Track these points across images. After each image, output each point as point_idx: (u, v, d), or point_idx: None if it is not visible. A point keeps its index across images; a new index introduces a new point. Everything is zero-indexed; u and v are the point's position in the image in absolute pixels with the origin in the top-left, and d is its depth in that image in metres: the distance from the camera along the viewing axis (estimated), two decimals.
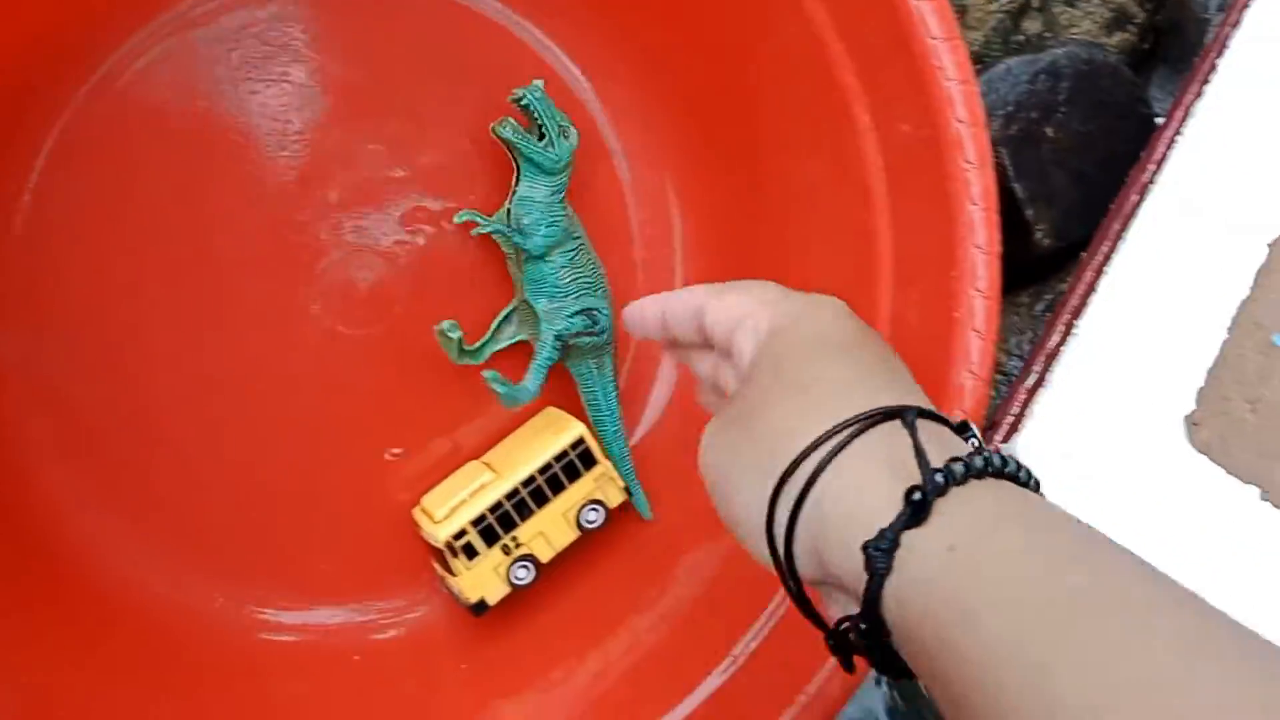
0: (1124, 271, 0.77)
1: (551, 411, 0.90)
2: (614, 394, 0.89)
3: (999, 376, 0.94)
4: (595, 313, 0.86)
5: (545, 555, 0.86)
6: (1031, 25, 1.03)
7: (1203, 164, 0.80)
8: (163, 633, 0.84)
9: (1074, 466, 0.72)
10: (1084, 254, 0.83)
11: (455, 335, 0.84)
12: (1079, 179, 0.97)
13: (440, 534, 0.84)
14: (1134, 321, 0.75)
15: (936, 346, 0.73)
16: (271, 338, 0.86)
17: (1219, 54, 0.83)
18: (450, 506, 0.85)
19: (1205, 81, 0.82)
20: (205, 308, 0.85)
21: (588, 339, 0.86)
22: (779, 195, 0.86)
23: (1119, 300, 0.76)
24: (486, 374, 0.83)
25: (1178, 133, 0.79)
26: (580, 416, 0.90)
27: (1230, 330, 0.79)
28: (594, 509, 0.87)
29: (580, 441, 0.86)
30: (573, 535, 0.87)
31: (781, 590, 0.48)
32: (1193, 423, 0.82)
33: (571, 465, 0.86)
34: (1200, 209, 0.78)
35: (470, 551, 0.84)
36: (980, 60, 1.01)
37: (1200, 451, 0.77)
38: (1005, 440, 0.75)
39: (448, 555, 0.84)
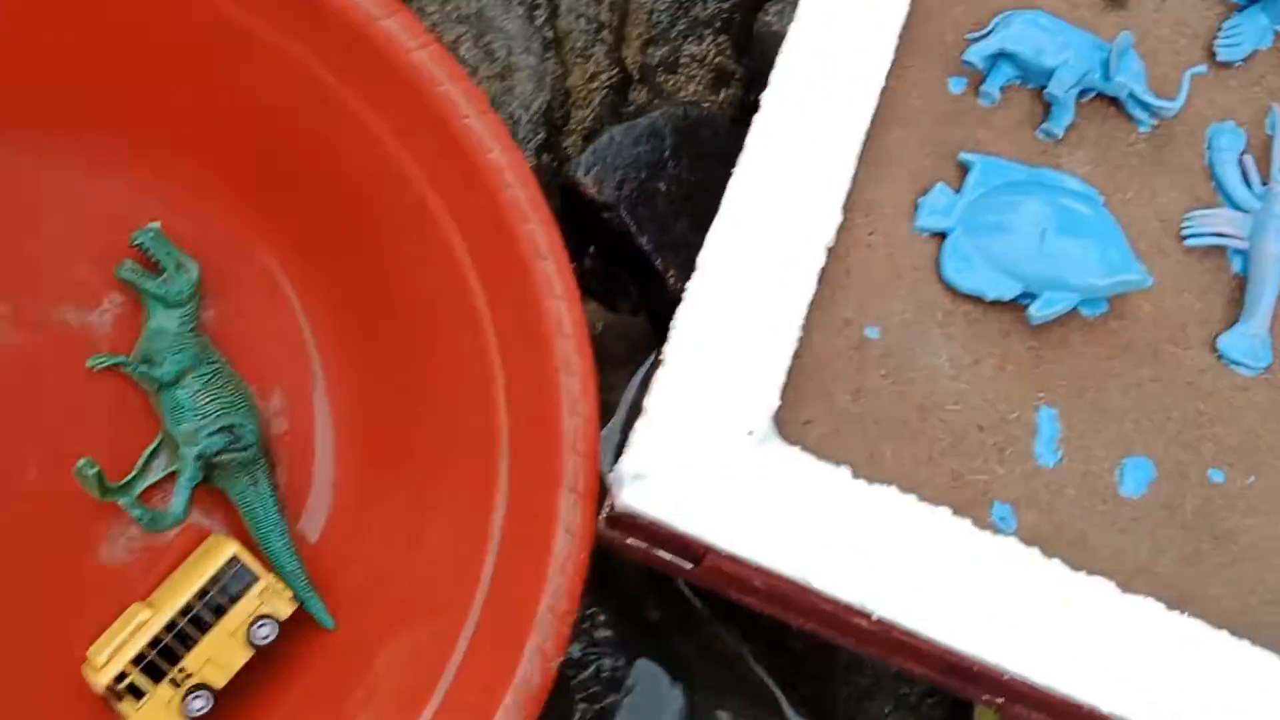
0: (699, 293, 0.81)
1: (212, 539, 0.91)
2: (274, 508, 0.90)
3: None
4: (238, 429, 0.88)
5: (219, 680, 0.86)
6: (638, 95, 1.10)
7: (760, 185, 0.86)
8: None
9: (670, 481, 0.76)
10: None
11: (91, 472, 0.85)
12: (697, 223, 1.03)
13: (101, 680, 0.83)
14: (715, 337, 0.80)
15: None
16: None
17: (763, 89, 0.90)
18: (110, 651, 0.84)
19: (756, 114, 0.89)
20: None
21: (232, 455, 0.88)
22: (405, 320, 0.89)
23: (700, 319, 0.81)
24: (122, 500, 0.84)
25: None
26: (247, 537, 0.91)
27: (808, 330, 0.84)
28: (264, 624, 0.87)
29: (235, 560, 0.86)
30: (246, 654, 0.87)
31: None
32: (803, 421, 0.87)
33: (231, 585, 0.86)
34: (763, 225, 0.84)
35: (137, 692, 0.83)
36: (597, 135, 1.07)
37: (804, 447, 0.81)
38: (610, 470, 0.78)
39: (114, 701, 0.83)
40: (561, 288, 0.79)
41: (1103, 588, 0.79)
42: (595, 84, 1.07)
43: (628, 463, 0.77)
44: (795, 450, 0.80)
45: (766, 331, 0.82)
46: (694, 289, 0.83)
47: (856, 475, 0.80)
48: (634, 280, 1.07)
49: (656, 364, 0.81)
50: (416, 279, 0.87)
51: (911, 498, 0.80)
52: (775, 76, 0.92)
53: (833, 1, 0.95)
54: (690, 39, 1.13)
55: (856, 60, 0.93)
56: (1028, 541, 0.85)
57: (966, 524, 0.80)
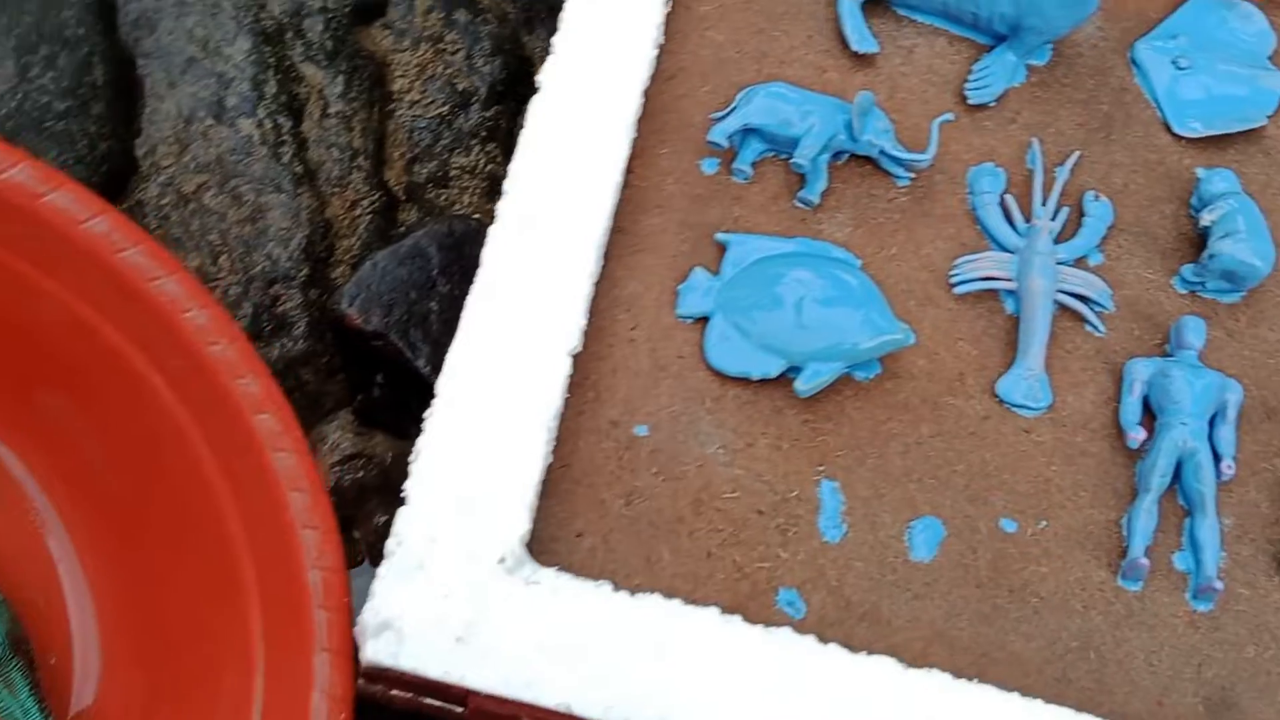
0: (439, 421, 0.79)
1: None
2: (35, 708, 0.86)
3: None
4: None
5: None
6: (408, 215, 1.09)
7: (498, 301, 0.84)
8: None
9: (418, 627, 0.73)
10: None
11: None
12: None
13: None
14: (457, 466, 0.77)
15: None
16: None
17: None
18: None
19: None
20: None
21: None
22: (150, 509, 0.86)
23: (441, 448, 0.78)
24: None
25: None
26: None
27: (574, 438, 0.82)
28: None
29: None
30: None
31: None
32: (575, 535, 0.85)
33: None
34: (502, 343, 0.82)
35: None
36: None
37: (562, 566, 0.78)
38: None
39: None
40: (299, 476, 0.77)
41: (884, 667, 0.77)
42: (357, 211, 1.05)
43: (370, 613, 0.74)
44: (551, 573, 0.77)
45: (511, 452, 0.80)
46: (433, 418, 0.81)
47: (618, 588, 0.77)
48: (421, 406, 1.05)
49: (399, 502, 0.78)
50: (152, 466, 0.84)
51: (676, 602, 0.78)
52: (508, 185, 0.91)
53: (562, 103, 0.94)
54: (458, 151, 1.12)
55: (591, 158, 0.92)
56: (817, 624, 0.83)
57: (736, 621, 0.77)
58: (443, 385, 0.81)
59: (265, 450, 0.77)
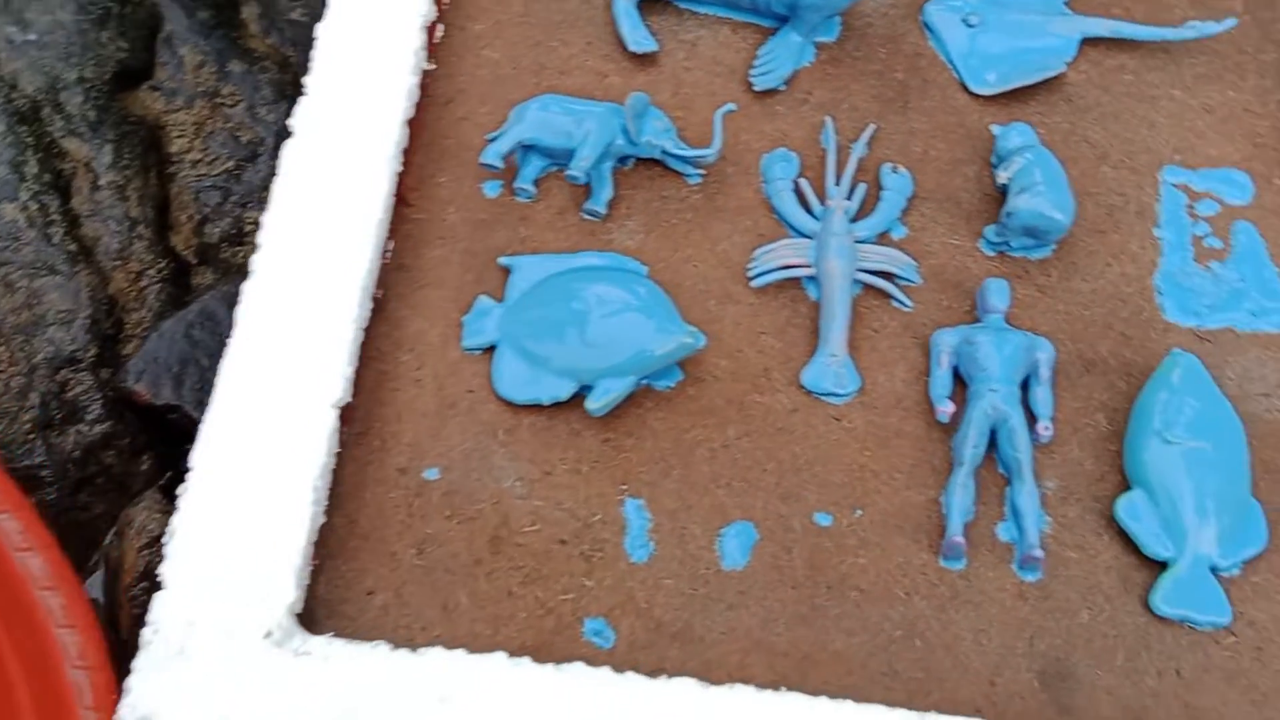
0: (196, 494, 0.76)
1: None
2: None
3: None
4: None
5: None
6: (203, 278, 1.05)
7: (260, 353, 0.81)
8: None
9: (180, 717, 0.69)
10: None
11: None
12: None
13: None
14: (215, 540, 0.74)
15: None
16: None
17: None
18: None
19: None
20: None
21: None
22: None
23: (199, 523, 0.75)
24: None
25: None
26: None
27: (359, 492, 0.79)
28: None
29: None
30: None
31: None
32: (366, 593, 0.81)
33: None
34: (266, 391, 0.79)
35: None
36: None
37: (338, 632, 0.75)
38: None
39: None
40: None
41: (685, 689, 0.74)
42: (144, 282, 1.02)
43: (128, 709, 0.70)
44: (322, 641, 0.74)
45: (274, 518, 0.76)
46: (187, 493, 0.77)
47: (398, 646, 0.74)
48: None
49: (156, 588, 0.75)
50: None
51: (460, 652, 0.74)
52: (261, 238, 0.87)
53: (317, 146, 0.91)
54: (250, 205, 1.09)
55: (350, 199, 0.89)
56: (627, 651, 0.80)
57: (525, 663, 0.74)
58: (197, 457, 0.78)
59: (9, 553, 0.73)
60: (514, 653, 0.77)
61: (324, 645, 0.72)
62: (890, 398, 0.91)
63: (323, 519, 0.78)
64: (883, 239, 0.98)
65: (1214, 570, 0.84)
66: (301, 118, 0.91)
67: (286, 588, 0.73)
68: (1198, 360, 0.91)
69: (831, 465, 0.88)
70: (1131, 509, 0.85)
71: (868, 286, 0.95)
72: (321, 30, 0.95)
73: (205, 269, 1.06)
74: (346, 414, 0.84)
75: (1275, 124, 1.05)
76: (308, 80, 0.94)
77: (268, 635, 0.72)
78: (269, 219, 0.86)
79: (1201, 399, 0.88)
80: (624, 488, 0.86)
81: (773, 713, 0.73)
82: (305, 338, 0.82)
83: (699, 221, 0.98)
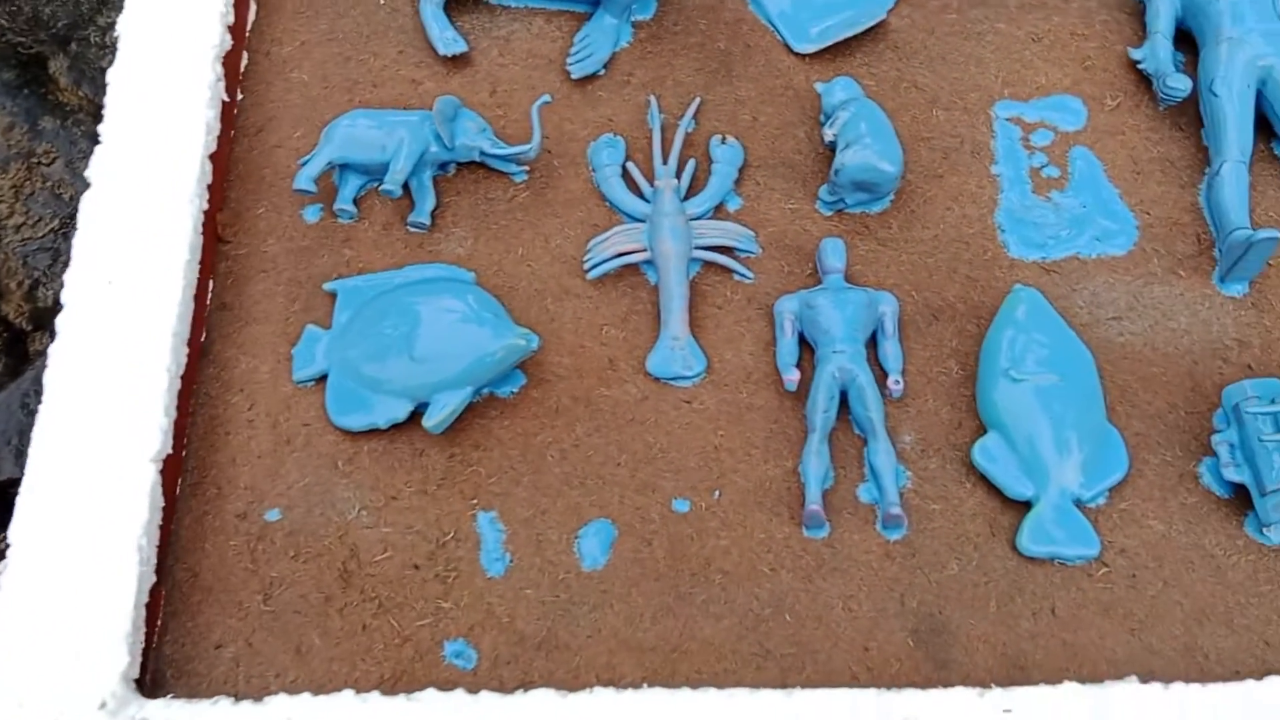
0: (18, 567, 0.73)
1: None
2: None
3: None
4: None
5: None
6: (41, 344, 1.02)
7: (71, 417, 0.78)
8: None
9: None
10: None
11: None
12: None
13: None
14: (41, 613, 0.71)
15: None
16: None
17: None
18: None
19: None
20: None
21: None
22: None
23: (21, 595, 0.72)
24: None
25: None
26: None
27: (198, 545, 0.76)
28: None
29: None
30: None
31: None
32: (215, 647, 0.78)
33: None
34: (79, 455, 0.76)
35: None
36: None
37: (177, 693, 0.72)
38: None
39: None
40: None
41: (542, 700, 0.71)
42: None
43: None
44: (160, 705, 0.71)
45: (100, 584, 0.74)
46: (7, 571, 0.74)
47: (240, 699, 0.72)
48: None
49: None
50: None
51: (305, 696, 0.72)
52: (65, 296, 0.84)
53: (114, 194, 0.88)
54: None
55: (153, 243, 0.86)
56: (490, 669, 0.78)
57: (374, 697, 0.72)
58: (14, 531, 0.75)
59: None
60: (370, 687, 0.74)
61: (162, 709, 0.70)
62: (739, 373, 0.89)
63: (153, 578, 0.75)
64: (719, 212, 0.96)
65: (1078, 502, 0.83)
66: (98, 167, 0.88)
67: (119, 654, 0.71)
68: (1040, 294, 0.90)
69: (686, 450, 0.86)
70: (987, 453, 0.84)
71: (707, 263, 0.93)
72: (112, 75, 0.92)
73: (42, 334, 1.03)
74: (178, 465, 0.81)
75: (1103, 44, 1.04)
76: (102, 128, 0.90)
77: (102, 706, 0.69)
78: (71, 276, 0.83)
79: (1047, 332, 0.87)
80: (474, 502, 0.84)
81: (635, 712, 0.71)
82: (118, 394, 0.79)
83: (529, 220, 0.95)
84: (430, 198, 0.94)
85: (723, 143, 0.98)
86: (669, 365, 0.89)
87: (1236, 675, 0.78)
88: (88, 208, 0.86)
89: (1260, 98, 0.97)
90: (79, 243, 0.85)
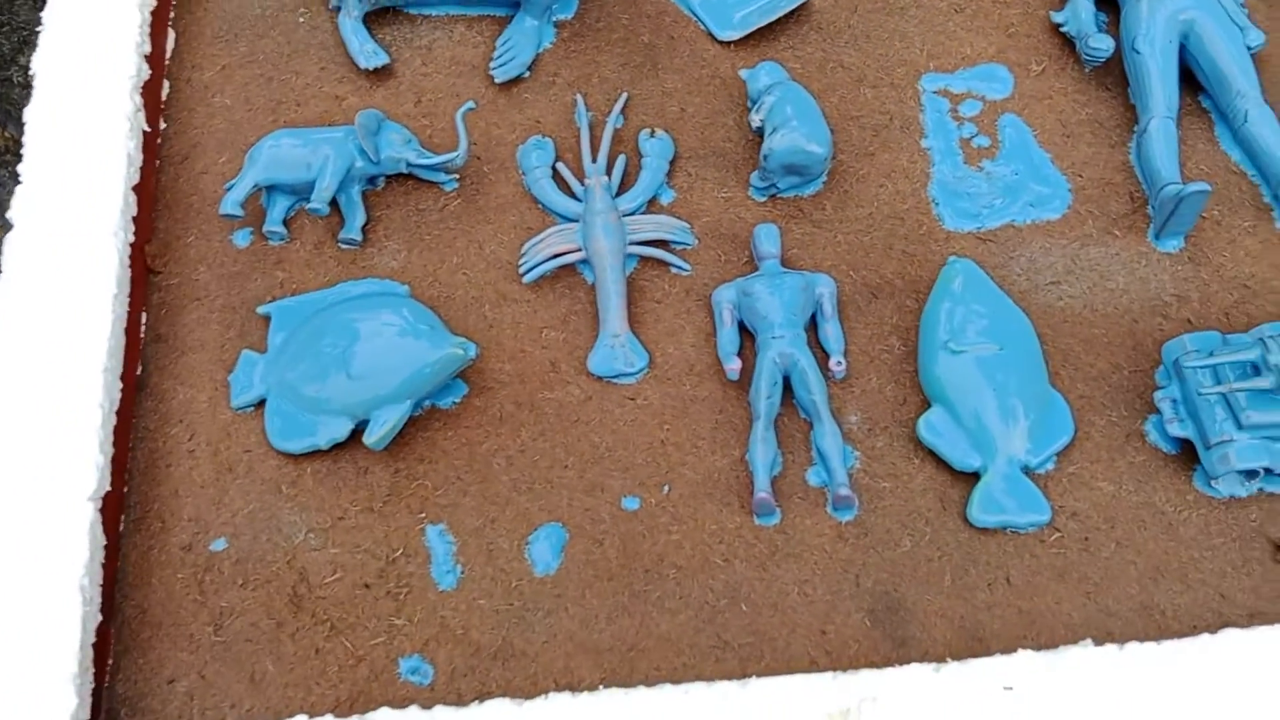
0: None
1: None
2: None
3: None
4: None
5: None
6: None
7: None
8: None
9: None
10: None
11: None
12: None
13: None
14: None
15: None
16: None
17: None
18: None
19: None
20: None
21: None
22: None
23: None
24: None
25: None
26: None
27: (145, 579, 0.75)
28: None
29: None
30: None
31: None
32: (167, 682, 0.77)
33: None
34: (12, 501, 0.75)
35: None
36: None
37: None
38: None
39: None
40: None
41: (499, 710, 0.71)
42: None
43: None
44: None
45: (41, 627, 0.73)
46: None
47: None
48: None
49: None
50: None
51: None
52: None
53: (37, 232, 0.87)
54: None
55: (78, 278, 0.85)
56: (448, 682, 0.78)
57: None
58: None
59: None
60: (326, 710, 0.74)
61: None
62: (682, 366, 0.89)
63: (99, 617, 0.75)
64: (652, 206, 0.95)
65: (1027, 469, 0.83)
66: (19, 207, 0.87)
67: (66, 697, 0.70)
68: (975, 264, 0.90)
69: (632, 447, 0.86)
70: (933, 427, 0.84)
71: (644, 258, 0.93)
72: (29, 113, 0.91)
73: None
74: (119, 501, 0.80)
75: (1025, 10, 1.04)
76: (21, 168, 0.89)
77: None
78: None
79: (985, 302, 0.87)
80: (422, 516, 0.83)
81: (591, 715, 0.71)
82: (51, 434, 0.78)
83: (462, 228, 0.95)
84: (360, 213, 0.94)
85: (652, 136, 0.98)
86: (610, 363, 0.88)
87: (1194, 630, 0.78)
88: (11, 249, 0.85)
89: (1184, 52, 0.97)
90: (4, 285, 0.84)
